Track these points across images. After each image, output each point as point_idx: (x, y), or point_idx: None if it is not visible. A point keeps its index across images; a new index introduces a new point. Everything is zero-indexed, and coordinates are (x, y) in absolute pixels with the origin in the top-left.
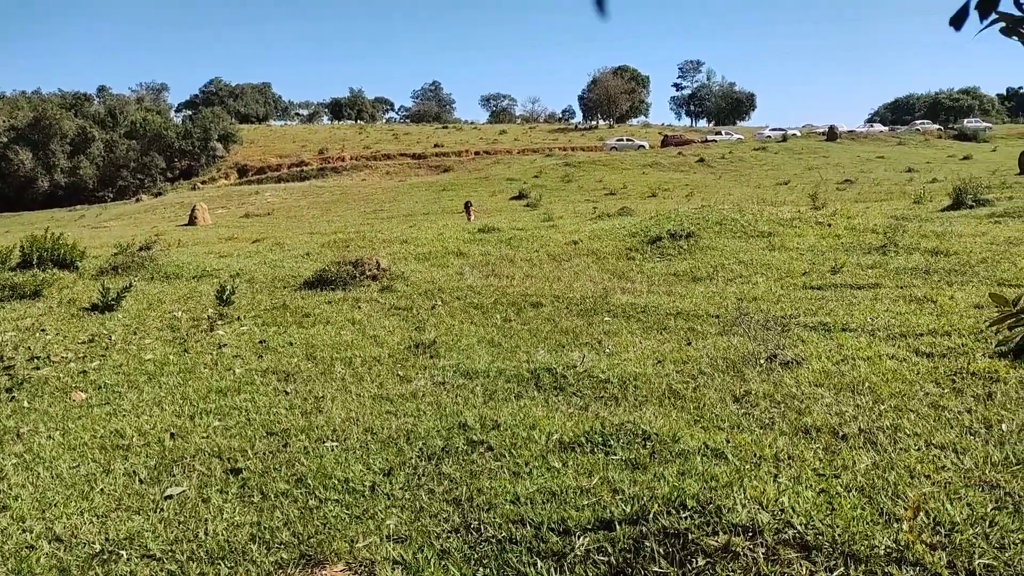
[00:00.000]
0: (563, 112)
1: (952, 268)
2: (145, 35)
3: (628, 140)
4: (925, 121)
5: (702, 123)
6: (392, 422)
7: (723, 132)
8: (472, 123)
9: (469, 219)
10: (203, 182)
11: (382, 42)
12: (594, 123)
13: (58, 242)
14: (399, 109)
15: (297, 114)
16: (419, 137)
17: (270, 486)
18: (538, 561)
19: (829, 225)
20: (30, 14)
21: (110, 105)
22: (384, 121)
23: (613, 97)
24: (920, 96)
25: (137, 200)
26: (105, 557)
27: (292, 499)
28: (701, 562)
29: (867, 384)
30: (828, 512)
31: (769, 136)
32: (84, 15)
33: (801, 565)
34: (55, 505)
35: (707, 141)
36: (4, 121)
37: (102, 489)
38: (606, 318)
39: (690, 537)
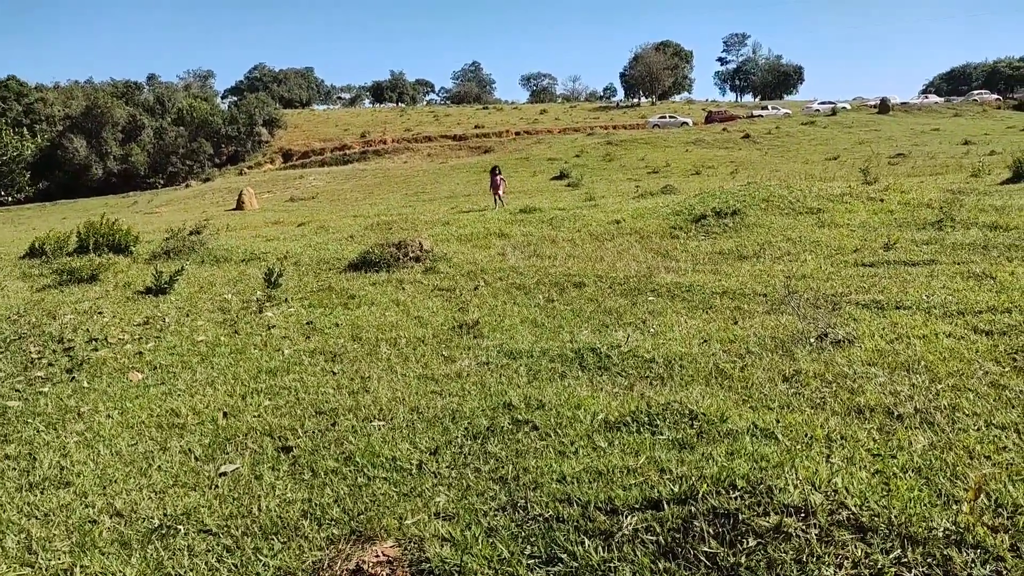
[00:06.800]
0: (604, 90)
1: (1012, 243)
2: (191, 22)
3: (671, 117)
4: (983, 91)
5: (748, 98)
6: (437, 402)
7: (769, 107)
8: (513, 103)
9: (496, 193)
10: (249, 167)
11: (422, 24)
12: (636, 100)
13: (113, 227)
14: (440, 91)
15: (339, 98)
16: (460, 119)
17: (320, 464)
18: (585, 540)
19: (881, 200)
20: (82, 3)
21: (159, 93)
22: (425, 103)
23: (655, 73)
24: (977, 65)
25: (186, 186)
26: (164, 532)
27: (341, 476)
28: (752, 542)
29: (923, 363)
30: (884, 493)
31: (818, 110)
32: (133, 3)
33: (856, 547)
34: (115, 481)
35: (753, 116)
36: (60, 110)
37: (159, 466)
38: (650, 297)
39: (740, 517)
